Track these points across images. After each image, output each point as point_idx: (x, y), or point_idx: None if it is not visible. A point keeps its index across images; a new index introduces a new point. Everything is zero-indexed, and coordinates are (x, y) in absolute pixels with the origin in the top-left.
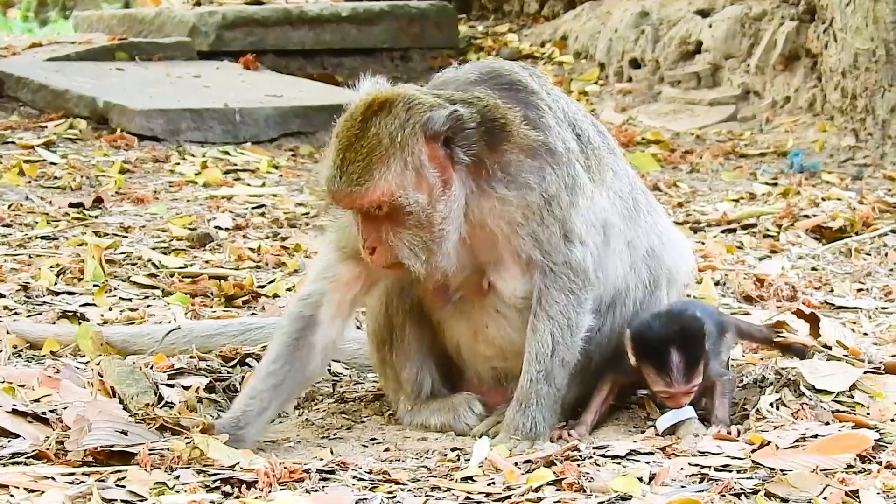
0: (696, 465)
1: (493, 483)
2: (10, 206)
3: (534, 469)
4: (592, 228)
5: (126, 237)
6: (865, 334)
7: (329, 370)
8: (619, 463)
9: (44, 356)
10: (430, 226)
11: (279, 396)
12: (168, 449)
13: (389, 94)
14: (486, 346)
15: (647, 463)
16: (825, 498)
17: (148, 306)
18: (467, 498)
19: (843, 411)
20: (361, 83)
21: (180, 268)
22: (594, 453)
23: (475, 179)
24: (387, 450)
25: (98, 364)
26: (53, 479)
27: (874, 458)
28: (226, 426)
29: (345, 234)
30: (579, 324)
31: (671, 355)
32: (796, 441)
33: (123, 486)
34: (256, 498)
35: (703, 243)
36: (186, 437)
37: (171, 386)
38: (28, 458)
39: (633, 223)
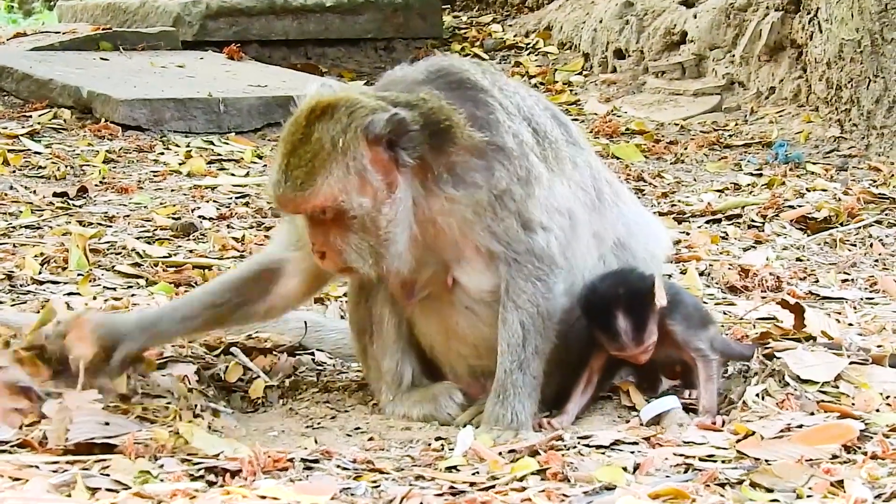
0: (681, 455)
1: (478, 472)
2: None
3: (518, 459)
4: (556, 213)
5: (110, 227)
6: (850, 325)
7: (313, 359)
8: (603, 453)
9: None
10: (375, 229)
11: (211, 318)
12: (152, 438)
13: (332, 98)
14: (458, 343)
15: (632, 453)
16: (810, 488)
17: (132, 295)
18: (451, 487)
19: (829, 401)
20: (309, 86)
21: (164, 257)
22: (578, 443)
23: (422, 181)
24: (371, 439)
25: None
26: (37, 467)
27: (859, 448)
28: (140, 323)
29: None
30: (549, 310)
31: (618, 319)
32: (781, 431)
33: (107, 475)
34: (240, 486)
35: (687, 234)
36: (170, 426)
37: (162, 376)
38: (12, 446)
39: (599, 214)
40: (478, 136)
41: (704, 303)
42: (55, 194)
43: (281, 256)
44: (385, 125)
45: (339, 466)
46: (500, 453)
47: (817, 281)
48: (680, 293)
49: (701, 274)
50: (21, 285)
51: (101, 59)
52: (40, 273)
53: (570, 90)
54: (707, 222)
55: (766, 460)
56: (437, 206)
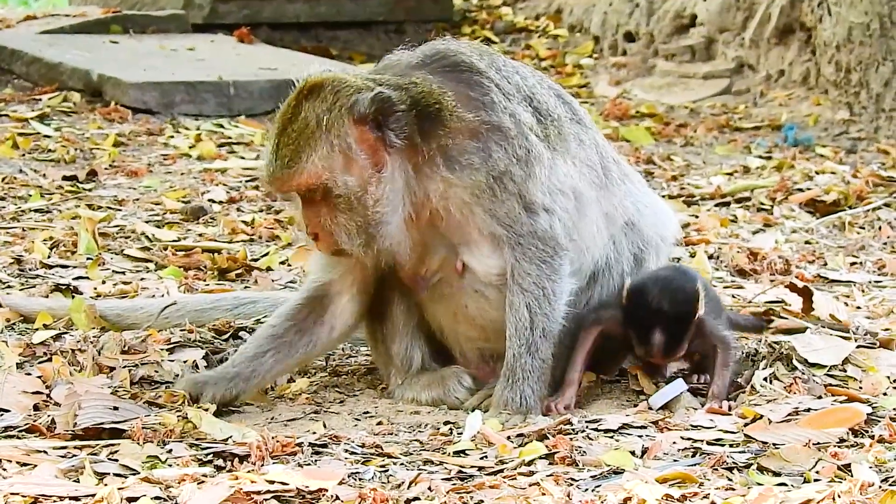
0: (689, 438)
1: (486, 457)
2: (3, 179)
3: (526, 443)
4: (559, 194)
5: (120, 210)
6: (859, 308)
7: None
8: (611, 437)
9: (37, 329)
10: (363, 209)
11: (279, 349)
12: (160, 423)
13: (320, 78)
14: (467, 326)
15: (640, 437)
16: (817, 472)
17: (141, 279)
18: (460, 472)
19: (836, 385)
20: (310, 67)
21: (174, 241)
22: (587, 427)
23: (415, 164)
24: (379, 423)
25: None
26: (46, 452)
27: (867, 432)
28: (219, 372)
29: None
30: (556, 291)
31: (655, 332)
32: (789, 415)
33: (116, 460)
34: (249, 471)
35: (696, 217)
36: (178, 411)
37: (172, 361)
38: (20, 431)
39: (607, 191)
40: (469, 117)
41: (713, 286)
42: (65, 178)
43: (323, 282)
44: (370, 104)
45: (347, 451)
46: (508, 437)
47: (826, 264)
48: (705, 284)
49: (710, 257)
50: (30, 269)
51: (111, 42)
52: (49, 257)
53: (581, 73)
54: (716, 205)
55: (774, 444)
56: (432, 188)
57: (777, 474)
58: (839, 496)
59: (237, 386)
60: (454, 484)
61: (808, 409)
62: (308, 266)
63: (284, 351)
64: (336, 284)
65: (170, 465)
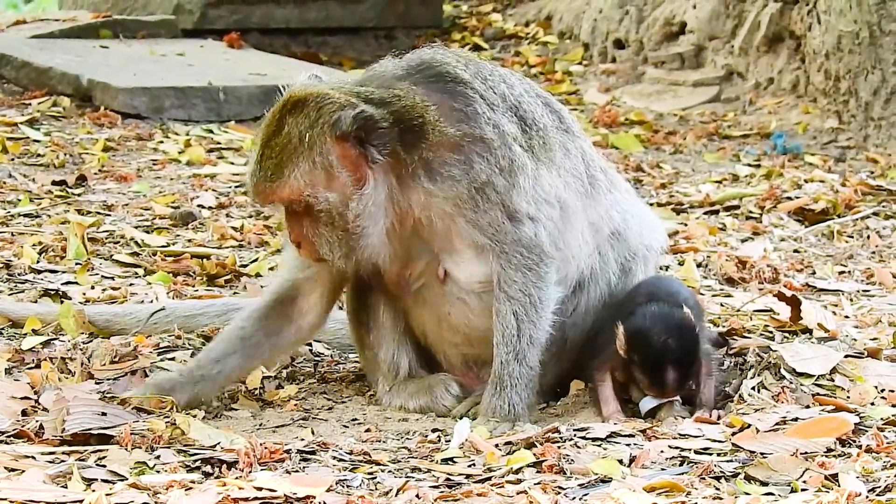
0: (677, 447)
1: (474, 464)
2: None
3: (514, 451)
4: (544, 203)
5: (109, 215)
6: (847, 317)
7: (311, 350)
8: (599, 445)
9: (25, 335)
10: (344, 223)
11: (245, 350)
12: (148, 429)
13: (304, 92)
14: (450, 332)
15: (628, 445)
16: (805, 481)
17: (130, 285)
18: (448, 479)
19: (824, 395)
20: (298, 76)
21: (163, 246)
22: (575, 435)
23: (398, 176)
24: (367, 430)
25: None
26: (34, 458)
27: (854, 441)
28: (185, 375)
29: None
30: (542, 299)
31: (668, 371)
32: (777, 424)
33: (104, 466)
34: (237, 478)
35: (685, 224)
36: (166, 417)
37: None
38: (8, 437)
39: (593, 201)
40: (451, 131)
41: (701, 294)
42: (54, 182)
43: (293, 281)
44: (352, 122)
45: (335, 458)
46: (496, 445)
47: (814, 273)
48: (687, 297)
49: (699, 265)
50: (19, 274)
51: (101, 46)
52: (38, 262)
53: (570, 80)
54: (705, 213)
55: (762, 453)
56: (414, 199)
57: (764, 483)
58: None
59: (205, 389)
60: (442, 492)
61: (796, 419)
62: (280, 262)
63: (251, 352)
64: (307, 283)
65: (158, 472)
